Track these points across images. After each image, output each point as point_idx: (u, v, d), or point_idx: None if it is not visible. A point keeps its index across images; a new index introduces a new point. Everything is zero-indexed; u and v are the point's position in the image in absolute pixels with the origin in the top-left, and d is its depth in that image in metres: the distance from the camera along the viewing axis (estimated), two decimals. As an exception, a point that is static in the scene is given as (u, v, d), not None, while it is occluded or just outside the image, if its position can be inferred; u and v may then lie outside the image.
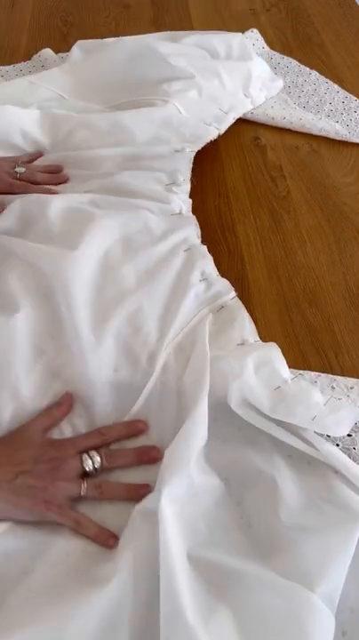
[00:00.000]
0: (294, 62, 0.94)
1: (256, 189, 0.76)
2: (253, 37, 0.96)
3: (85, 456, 0.47)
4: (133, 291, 0.58)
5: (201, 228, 0.69)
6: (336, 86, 0.90)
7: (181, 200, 0.68)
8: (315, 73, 0.92)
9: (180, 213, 0.67)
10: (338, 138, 0.82)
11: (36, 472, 0.45)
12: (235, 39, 0.87)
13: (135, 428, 0.50)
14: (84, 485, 0.46)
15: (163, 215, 0.66)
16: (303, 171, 0.79)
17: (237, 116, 0.82)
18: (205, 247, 0.64)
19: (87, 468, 0.47)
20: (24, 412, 0.51)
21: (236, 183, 0.77)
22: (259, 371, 0.53)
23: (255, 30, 0.97)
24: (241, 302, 0.60)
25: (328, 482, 0.46)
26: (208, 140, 0.76)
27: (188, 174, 0.71)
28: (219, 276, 0.62)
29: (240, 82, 0.82)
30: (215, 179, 0.77)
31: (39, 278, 0.56)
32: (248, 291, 0.64)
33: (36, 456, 0.46)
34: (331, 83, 0.90)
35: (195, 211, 0.70)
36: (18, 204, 0.65)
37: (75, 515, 0.45)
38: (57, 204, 0.64)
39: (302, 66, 0.93)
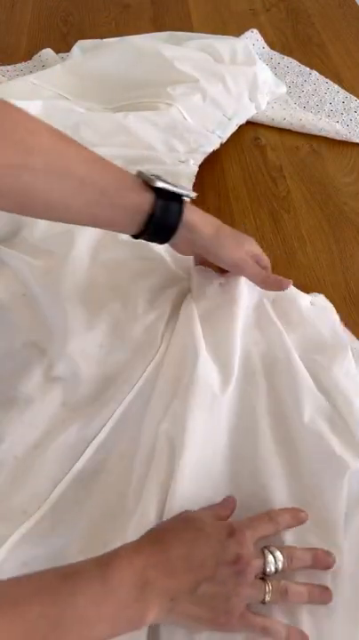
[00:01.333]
0: (294, 62, 0.94)
1: (256, 189, 0.76)
2: (253, 37, 0.96)
3: (269, 556, 0.41)
4: (124, 283, 0.59)
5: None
6: (336, 86, 0.90)
7: None
8: (315, 73, 0.92)
9: None
10: (338, 138, 0.82)
11: (219, 577, 0.38)
12: (239, 44, 0.87)
13: (299, 518, 0.44)
14: (268, 588, 0.40)
15: None
16: (303, 171, 0.79)
17: (241, 123, 0.82)
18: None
19: (269, 569, 0.40)
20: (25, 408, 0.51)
21: (236, 183, 0.77)
22: None
23: (255, 30, 0.97)
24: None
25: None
26: (210, 151, 0.76)
27: (189, 186, 0.71)
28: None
29: (245, 86, 0.82)
30: (215, 179, 0.77)
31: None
32: (248, 291, 0.65)
33: (218, 554, 0.39)
34: (331, 83, 0.90)
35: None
36: None
37: (260, 621, 0.40)
38: None
39: (302, 66, 0.93)
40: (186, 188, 0.52)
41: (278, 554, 0.41)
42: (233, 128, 0.80)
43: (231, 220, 0.72)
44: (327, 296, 0.64)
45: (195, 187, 0.72)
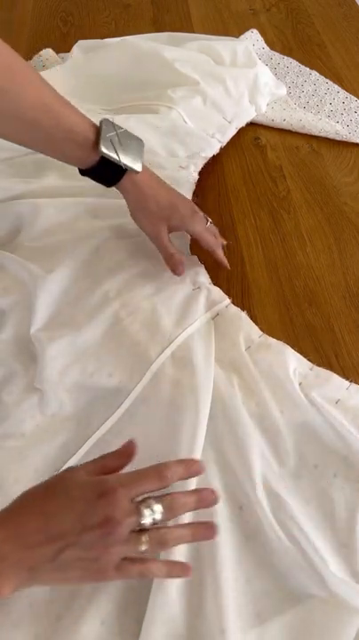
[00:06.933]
0: (294, 62, 0.94)
1: (256, 189, 0.76)
2: (253, 37, 0.96)
3: (146, 510, 0.38)
4: (117, 299, 0.59)
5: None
6: (336, 86, 0.90)
7: None
8: (315, 73, 0.92)
9: None
10: (338, 138, 0.82)
11: (84, 542, 0.36)
12: (239, 45, 0.87)
13: (193, 470, 0.42)
14: (145, 539, 0.38)
15: None
16: (303, 171, 0.79)
17: (240, 126, 0.82)
18: (196, 257, 0.65)
19: (144, 522, 0.38)
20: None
21: (236, 183, 0.77)
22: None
23: (255, 30, 0.97)
24: (236, 307, 0.60)
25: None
26: (210, 156, 0.76)
27: (189, 194, 0.71)
28: (212, 284, 0.62)
29: (246, 89, 0.82)
30: (215, 179, 0.77)
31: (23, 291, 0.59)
32: (248, 291, 0.65)
33: (83, 520, 0.37)
34: (331, 83, 0.90)
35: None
36: (11, 206, 0.66)
37: (137, 568, 0.39)
38: (50, 212, 0.65)
39: (302, 66, 0.93)
40: (136, 160, 0.56)
41: (156, 506, 0.38)
42: (233, 131, 0.80)
43: (231, 220, 0.72)
44: (327, 296, 0.65)
45: (196, 187, 0.72)
